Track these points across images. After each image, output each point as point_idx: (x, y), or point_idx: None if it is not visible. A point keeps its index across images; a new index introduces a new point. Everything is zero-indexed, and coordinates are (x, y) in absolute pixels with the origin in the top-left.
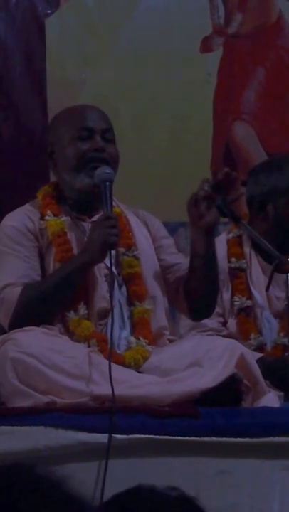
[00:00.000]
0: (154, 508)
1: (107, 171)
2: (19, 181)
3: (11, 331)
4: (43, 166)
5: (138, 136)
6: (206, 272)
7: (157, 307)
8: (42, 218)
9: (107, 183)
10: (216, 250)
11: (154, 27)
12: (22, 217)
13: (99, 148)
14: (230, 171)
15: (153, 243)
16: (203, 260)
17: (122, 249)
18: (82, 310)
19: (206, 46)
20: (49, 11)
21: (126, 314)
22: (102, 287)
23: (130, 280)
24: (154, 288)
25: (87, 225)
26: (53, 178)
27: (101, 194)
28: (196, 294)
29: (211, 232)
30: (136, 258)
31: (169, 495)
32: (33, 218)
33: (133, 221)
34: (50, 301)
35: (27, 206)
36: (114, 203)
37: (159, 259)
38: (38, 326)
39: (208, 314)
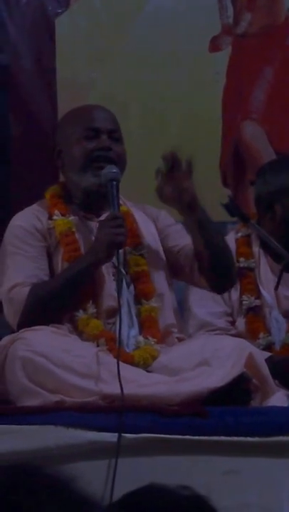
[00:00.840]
0: (167, 506)
1: (114, 170)
2: (29, 181)
3: (20, 330)
4: (52, 166)
5: (146, 136)
6: (208, 240)
7: (165, 305)
8: (50, 218)
9: (114, 183)
10: (209, 220)
11: (162, 26)
12: (30, 217)
13: (105, 147)
14: (173, 153)
15: (160, 235)
16: (201, 231)
17: (129, 248)
18: (91, 309)
19: (214, 46)
20: (59, 11)
21: (134, 313)
22: (110, 286)
23: (137, 278)
24: (161, 286)
25: (94, 225)
26: (62, 178)
27: (108, 193)
28: (207, 266)
29: (195, 207)
30: (143, 256)
31: (181, 494)
32: (41, 218)
33: (140, 218)
34: (58, 301)
35: (35, 206)
36: (120, 201)
37: (170, 247)
38: (46, 325)
39: (227, 284)
